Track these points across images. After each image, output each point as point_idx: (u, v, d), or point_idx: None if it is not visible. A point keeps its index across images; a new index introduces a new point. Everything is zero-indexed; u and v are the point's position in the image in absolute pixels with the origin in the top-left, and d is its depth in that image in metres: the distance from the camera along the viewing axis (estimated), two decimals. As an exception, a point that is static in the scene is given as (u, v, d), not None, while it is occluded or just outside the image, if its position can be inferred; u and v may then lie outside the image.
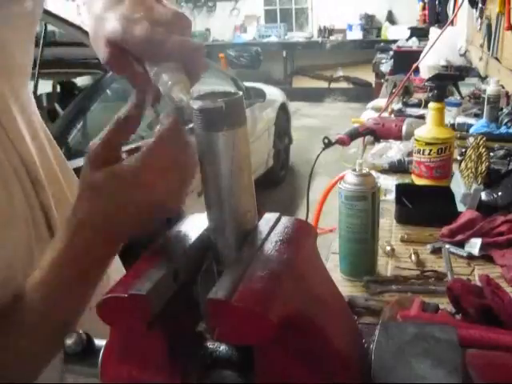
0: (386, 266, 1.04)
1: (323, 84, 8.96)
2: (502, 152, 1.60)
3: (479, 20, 3.26)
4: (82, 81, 3.62)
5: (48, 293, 0.51)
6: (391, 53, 4.98)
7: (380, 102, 2.65)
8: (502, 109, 2.08)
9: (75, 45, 2.73)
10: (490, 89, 2.02)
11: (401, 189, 1.33)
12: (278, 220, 0.47)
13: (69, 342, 0.45)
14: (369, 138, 1.82)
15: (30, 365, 0.54)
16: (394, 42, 5.62)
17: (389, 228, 1.22)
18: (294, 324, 0.38)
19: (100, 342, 0.45)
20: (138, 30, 0.46)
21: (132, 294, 0.37)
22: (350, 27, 8.31)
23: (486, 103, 2.02)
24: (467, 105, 2.40)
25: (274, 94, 4.68)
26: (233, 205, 0.43)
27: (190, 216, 0.49)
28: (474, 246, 1.06)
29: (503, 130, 1.93)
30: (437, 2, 5.47)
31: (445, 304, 0.86)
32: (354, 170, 0.96)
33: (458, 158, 1.59)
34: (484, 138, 1.39)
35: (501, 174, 1.35)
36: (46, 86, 3.30)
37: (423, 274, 0.99)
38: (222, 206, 0.43)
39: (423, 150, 1.38)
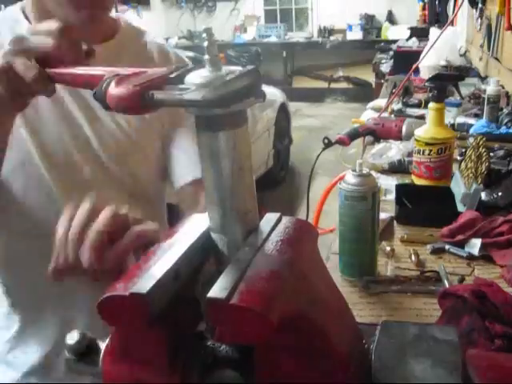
0: (385, 266, 1.04)
1: (323, 84, 8.95)
2: (501, 152, 1.60)
3: (479, 20, 3.26)
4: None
5: None
6: (391, 53, 4.98)
7: (380, 102, 2.65)
8: (502, 109, 2.08)
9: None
10: (490, 89, 2.02)
11: (401, 189, 1.33)
12: (278, 220, 0.47)
13: (70, 341, 0.45)
14: (369, 138, 1.82)
15: None
16: (394, 42, 5.62)
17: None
18: (294, 324, 0.38)
19: (101, 342, 0.45)
20: None
21: (133, 293, 0.37)
22: (350, 27, 8.30)
23: (485, 103, 2.02)
24: (467, 105, 2.40)
25: (274, 94, 4.68)
26: (233, 205, 0.43)
27: (190, 216, 0.49)
28: (474, 246, 1.06)
29: (503, 130, 1.93)
30: (437, 2, 5.47)
31: (445, 304, 0.86)
32: (354, 170, 0.96)
33: (458, 158, 1.59)
34: (484, 138, 1.39)
35: (501, 173, 1.35)
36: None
37: (423, 275, 0.99)
38: (222, 206, 0.43)
39: (423, 150, 1.38)
